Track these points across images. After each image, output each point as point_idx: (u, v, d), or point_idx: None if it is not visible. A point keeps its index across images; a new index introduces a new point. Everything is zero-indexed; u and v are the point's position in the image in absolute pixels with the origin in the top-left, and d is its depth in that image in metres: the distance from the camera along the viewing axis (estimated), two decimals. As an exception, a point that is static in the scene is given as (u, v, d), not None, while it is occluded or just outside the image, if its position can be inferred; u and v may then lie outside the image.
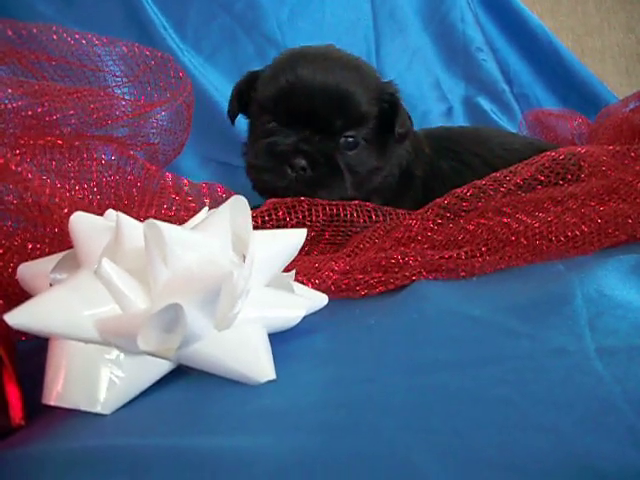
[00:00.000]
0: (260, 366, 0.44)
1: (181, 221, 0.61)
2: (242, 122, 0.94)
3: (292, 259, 0.55)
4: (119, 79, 0.83)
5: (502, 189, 0.70)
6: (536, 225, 0.66)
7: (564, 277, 0.59)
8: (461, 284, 0.63)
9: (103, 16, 1.19)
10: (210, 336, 0.45)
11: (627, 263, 0.60)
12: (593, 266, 0.60)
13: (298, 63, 0.83)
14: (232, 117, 0.91)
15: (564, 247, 0.66)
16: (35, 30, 0.80)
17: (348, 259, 0.68)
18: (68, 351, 0.45)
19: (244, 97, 0.89)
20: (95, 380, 0.44)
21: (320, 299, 0.56)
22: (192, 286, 0.44)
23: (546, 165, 0.69)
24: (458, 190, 0.70)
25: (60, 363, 0.44)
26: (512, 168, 0.74)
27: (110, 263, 0.46)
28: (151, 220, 0.44)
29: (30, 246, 0.60)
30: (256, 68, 0.91)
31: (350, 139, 0.83)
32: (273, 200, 0.74)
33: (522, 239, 0.66)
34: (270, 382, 0.44)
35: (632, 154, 0.69)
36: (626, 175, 0.69)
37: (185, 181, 0.77)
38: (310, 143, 0.81)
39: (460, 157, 0.96)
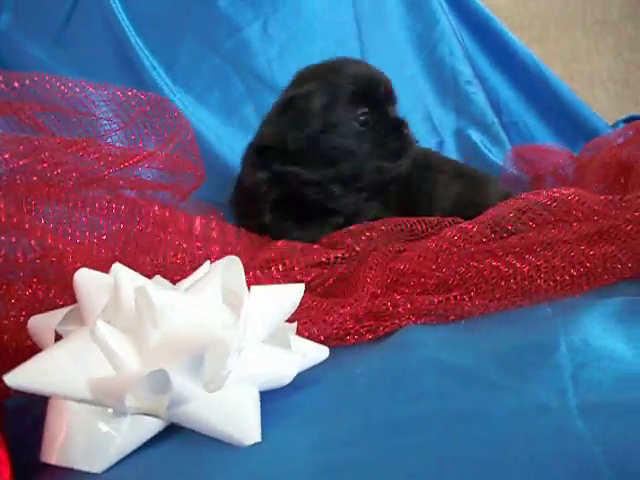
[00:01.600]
0: (247, 429, 0.46)
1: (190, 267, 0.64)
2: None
3: (290, 314, 0.57)
4: (115, 124, 0.85)
5: (491, 234, 0.72)
6: (525, 269, 0.68)
7: (550, 323, 0.61)
8: (449, 329, 0.65)
9: (94, 57, 1.22)
10: (199, 397, 0.47)
11: (612, 307, 0.61)
12: (579, 310, 0.62)
13: (355, 63, 1.02)
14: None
15: (553, 291, 0.68)
16: (28, 81, 0.82)
17: (340, 309, 0.69)
18: (68, 409, 0.47)
19: None
20: (93, 439, 0.46)
21: (320, 352, 0.58)
22: (180, 350, 0.46)
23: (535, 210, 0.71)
24: (448, 233, 0.72)
25: (60, 421, 0.46)
26: (498, 213, 0.76)
27: (105, 325, 0.49)
28: (141, 287, 0.46)
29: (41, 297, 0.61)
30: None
31: None
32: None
33: (512, 283, 0.68)
34: (257, 444, 0.45)
35: (624, 204, 0.71)
36: (615, 220, 0.71)
37: (197, 222, 0.79)
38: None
39: None
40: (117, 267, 0.52)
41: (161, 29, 1.26)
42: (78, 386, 0.46)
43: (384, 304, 0.67)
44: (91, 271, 0.53)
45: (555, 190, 0.73)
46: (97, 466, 0.45)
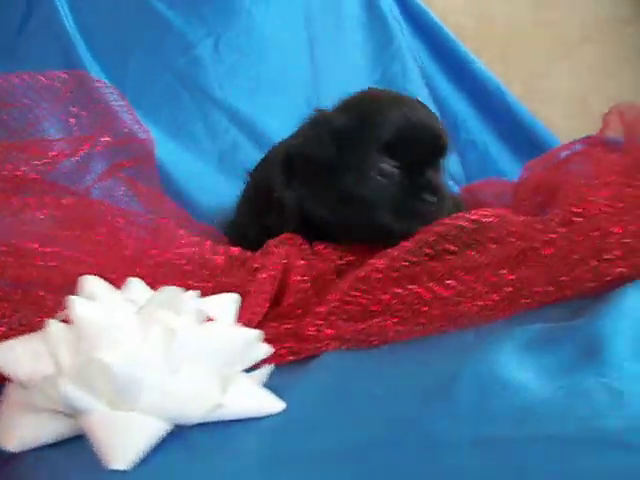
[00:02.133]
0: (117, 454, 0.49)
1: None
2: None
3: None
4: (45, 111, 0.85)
5: (414, 259, 0.73)
6: (447, 295, 0.69)
7: (466, 351, 0.62)
8: (369, 355, 0.66)
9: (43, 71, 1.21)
10: (96, 412, 0.51)
11: (529, 334, 0.62)
12: (496, 338, 0.63)
13: (404, 104, 0.89)
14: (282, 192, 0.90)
15: (476, 316, 0.69)
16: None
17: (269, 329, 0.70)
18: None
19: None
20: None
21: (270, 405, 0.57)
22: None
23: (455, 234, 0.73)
24: (373, 261, 0.73)
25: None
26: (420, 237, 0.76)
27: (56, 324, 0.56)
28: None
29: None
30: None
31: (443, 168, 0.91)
32: None
33: (433, 310, 0.69)
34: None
35: (539, 226, 0.73)
36: (533, 242, 0.72)
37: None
38: (433, 180, 0.86)
39: None
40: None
41: (112, 44, 1.27)
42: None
43: (309, 329, 0.67)
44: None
45: (473, 212, 0.74)
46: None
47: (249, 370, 0.60)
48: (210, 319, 0.61)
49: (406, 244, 0.74)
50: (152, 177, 1.06)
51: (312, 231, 0.86)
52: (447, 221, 0.76)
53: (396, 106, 0.87)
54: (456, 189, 1.38)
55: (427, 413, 0.51)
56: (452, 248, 0.73)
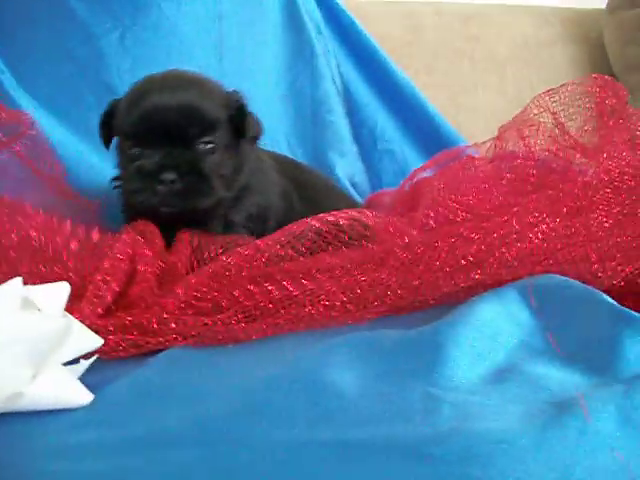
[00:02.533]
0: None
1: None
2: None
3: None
4: None
5: (264, 259, 0.73)
6: (296, 293, 0.69)
7: (298, 352, 0.62)
8: (209, 353, 0.65)
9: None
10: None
11: (364, 341, 0.63)
12: (331, 342, 0.63)
13: (147, 88, 0.94)
14: (106, 145, 1.01)
15: (322, 316, 0.69)
16: None
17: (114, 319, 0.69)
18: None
19: (110, 127, 0.98)
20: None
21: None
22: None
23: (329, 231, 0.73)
24: (224, 258, 0.72)
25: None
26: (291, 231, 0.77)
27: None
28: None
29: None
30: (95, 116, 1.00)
31: (207, 145, 0.92)
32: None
33: (281, 308, 0.68)
34: None
35: (391, 228, 0.73)
36: (392, 246, 0.73)
37: None
38: (173, 157, 0.89)
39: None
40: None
41: (12, 30, 1.24)
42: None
43: (150, 320, 0.66)
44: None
45: (330, 214, 0.75)
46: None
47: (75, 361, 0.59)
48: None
49: (259, 242, 0.74)
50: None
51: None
52: (304, 221, 0.76)
53: (139, 90, 0.95)
54: (358, 198, 1.39)
55: (230, 412, 0.51)
56: (303, 250, 0.72)
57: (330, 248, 0.74)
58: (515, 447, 0.46)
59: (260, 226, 1.00)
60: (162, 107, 0.90)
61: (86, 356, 0.60)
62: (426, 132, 1.67)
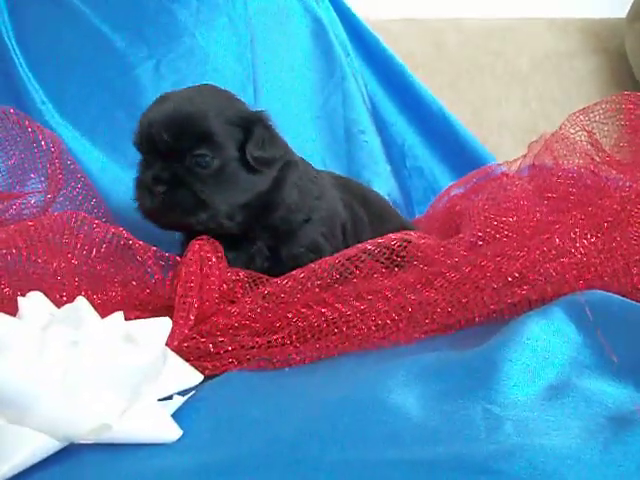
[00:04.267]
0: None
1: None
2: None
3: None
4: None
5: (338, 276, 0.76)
6: (348, 313, 0.71)
7: (357, 375, 0.64)
8: (265, 377, 0.67)
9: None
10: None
11: (420, 363, 0.65)
12: (389, 365, 0.65)
13: (153, 103, 0.95)
14: None
15: (375, 336, 0.71)
16: None
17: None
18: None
19: None
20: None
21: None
22: None
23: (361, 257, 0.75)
24: (278, 280, 0.75)
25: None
26: (345, 255, 0.80)
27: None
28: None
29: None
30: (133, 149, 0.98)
31: (200, 158, 0.89)
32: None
33: (334, 328, 0.71)
34: None
35: (442, 248, 0.76)
36: (441, 267, 0.75)
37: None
38: (164, 169, 0.89)
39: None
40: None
41: (52, 62, 1.29)
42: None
43: (207, 344, 0.69)
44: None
45: (381, 237, 0.77)
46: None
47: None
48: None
49: (314, 266, 0.76)
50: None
51: None
52: (358, 245, 0.78)
53: (149, 108, 0.95)
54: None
55: (303, 435, 0.53)
56: (358, 272, 0.75)
57: (383, 270, 0.76)
58: (581, 463, 0.48)
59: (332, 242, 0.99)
60: (154, 121, 0.91)
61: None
62: (453, 148, 1.69)
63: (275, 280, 0.76)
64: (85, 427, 0.54)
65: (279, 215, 0.95)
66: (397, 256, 0.76)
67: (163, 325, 0.63)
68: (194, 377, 0.63)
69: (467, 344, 0.70)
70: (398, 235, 0.78)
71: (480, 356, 0.65)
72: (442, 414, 0.56)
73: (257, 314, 0.73)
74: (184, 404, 0.61)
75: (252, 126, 0.93)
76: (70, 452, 0.55)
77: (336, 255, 0.79)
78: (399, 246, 0.76)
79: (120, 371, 0.57)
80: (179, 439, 0.56)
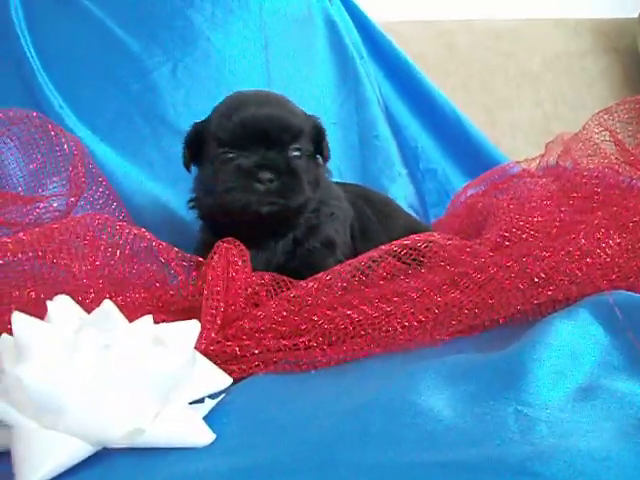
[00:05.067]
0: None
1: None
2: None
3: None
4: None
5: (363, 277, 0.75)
6: (375, 315, 0.71)
7: (385, 378, 0.64)
8: (293, 380, 0.67)
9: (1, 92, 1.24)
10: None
11: (448, 365, 0.65)
12: (417, 367, 0.65)
13: (243, 101, 1.02)
14: (187, 166, 1.06)
15: (402, 337, 0.71)
16: None
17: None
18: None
19: (193, 148, 1.04)
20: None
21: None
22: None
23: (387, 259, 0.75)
24: (303, 283, 0.75)
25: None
26: (370, 256, 0.79)
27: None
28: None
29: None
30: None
31: (296, 151, 1.00)
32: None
33: (360, 330, 0.71)
34: None
35: (468, 249, 0.75)
36: (466, 268, 0.75)
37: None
38: (269, 159, 0.96)
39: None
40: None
41: (69, 67, 1.29)
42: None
43: (233, 347, 0.69)
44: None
45: (406, 238, 0.77)
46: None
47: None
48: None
49: (338, 268, 0.76)
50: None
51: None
52: (382, 247, 0.78)
53: (231, 103, 1.03)
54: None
55: (335, 437, 0.53)
56: (384, 274, 0.75)
57: (409, 272, 0.76)
58: (619, 465, 0.47)
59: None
60: (259, 116, 0.98)
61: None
62: (466, 150, 1.68)
63: (300, 283, 0.76)
64: (118, 432, 0.54)
65: (313, 208, 1.03)
66: (422, 257, 0.76)
67: (192, 328, 0.63)
68: (223, 380, 0.63)
69: (492, 346, 0.70)
70: (423, 236, 0.78)
71: (507, 358, 0.65)
72: (474, 416, 0.56)
73: (283, 317, 0.73)
74: (213, 408, 0.61)
75: (321, 127, 1.08)
76: (101, 457, 0.55)
77: (360, 257, 0.79)
78: (425, 247, 0.76)
79: (151, 375, 0.57)
80: (211, 443, 0.56)
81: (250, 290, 0.78)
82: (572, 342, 0.67)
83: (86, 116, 1.26)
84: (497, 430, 0.54)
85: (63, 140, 0.89)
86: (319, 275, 0.76)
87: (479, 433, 0.53)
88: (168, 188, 1.27)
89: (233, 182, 0.95)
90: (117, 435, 0.53)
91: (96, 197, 0.94)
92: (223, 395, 0.62)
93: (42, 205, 0.86)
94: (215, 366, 0.63)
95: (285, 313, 0.73)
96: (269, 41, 1.42)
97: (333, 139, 1.49)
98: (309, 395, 0.63)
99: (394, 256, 0.76)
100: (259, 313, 0.73)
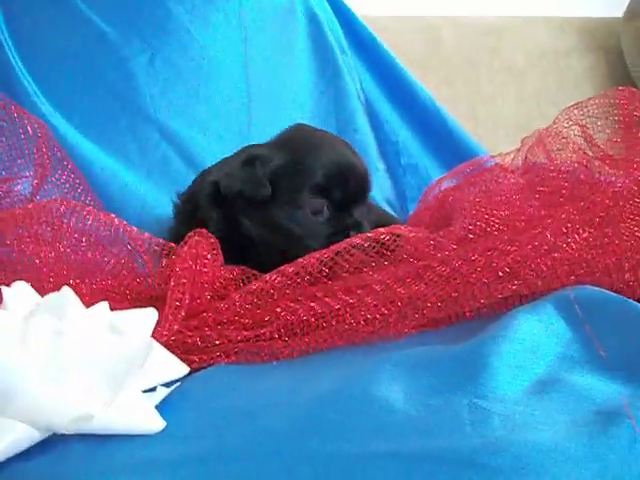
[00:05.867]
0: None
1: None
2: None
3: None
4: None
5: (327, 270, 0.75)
6: (337, 307, 0.71)
7: (345, 368, 0.64)
8: (253, 370, 0.67)
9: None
10: None
11: (407, 357, 0.65)
12: (376, 359, 0.65)
13: (331, 143, 0.99)
14: (262, 197, 0.94)
15: (365, 330, 0.71)
16: None
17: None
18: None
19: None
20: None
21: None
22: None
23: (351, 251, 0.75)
24: (267, 276, 0.74)
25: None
26: (335, 249, 0.79)
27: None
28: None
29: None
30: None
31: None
32: None
33: (323, 322, 0.70)
34: None
35: (432, 242, 0.75)
36: (431, 261, 0.74)
37: None
38: (362, 216, 0.95)
39: None
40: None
41: (45, 55, 1.27)
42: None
43: (194, 339, 0.68)
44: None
45: (372, 231, 0.77)
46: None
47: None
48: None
49: (302, 260, 0.76)
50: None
51: (237, 248, 0.91)
52: (347, 240, 0.78)
53: (326, 148, 0.96)
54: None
55: (289, 427, 0.53)
56: (347, 266, 0.74)
57: (373, 264, 0.75)
58: (566, 456, 0.47)
59: None
60: (358, 166, 0.96)
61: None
62: (448, 145, 1.67)
63: (264, 276, 0.76)
64: (67, 417, 0.53)
65: None
66: (387, 250, 0.76)
67: (149, 316, 0.62)
68: (180, 369, 0.63)
69: (457, 339, 0.70)
70: (387, 229, 0.78)
71: (469, 350, 0.64)
72: (428, 407, 0.56)
73: (245, 309, 0.72)
74: (170, 396, 0.60)
75: None
76: (55, 443, 0.55)
77: (324, 250, 0.78)
78: (389, 239, 0.76)
79: (104, 361, 0.56)
80: (165, 430, 0.55)
81: (218, 284, 0.77)
82: (534, 336, 0.67)
83: (62, 104, 1.24)
84: (449, 422, 0.54)
85: (26, 122, 0.87)
86: (283, 268, 0.76)
87: (431, 424, 0.53)
88: (142, 178, 1.25)
89: (324, 239, 0.90)
90: (65, 421, 0.53)
91: (62, 181, 0.92)
92: (178, 383, 0.61)
93: (6, 187, 0.84)
94: (172, 355, 0.63)
95: (248, 306, 0.72)
96: (249, 33, 1.41)
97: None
98: (267, 385, 0.63)
99: (359, 249, 0.76)
100: (222, 305, 0.73)
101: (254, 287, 0.74)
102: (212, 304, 0.74)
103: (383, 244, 0.76)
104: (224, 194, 0.95)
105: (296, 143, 0.99)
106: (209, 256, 0.80)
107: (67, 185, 0.94)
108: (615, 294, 0.70)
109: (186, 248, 0.80)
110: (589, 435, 0.50)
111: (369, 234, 0.76)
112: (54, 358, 0.55)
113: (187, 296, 0.73)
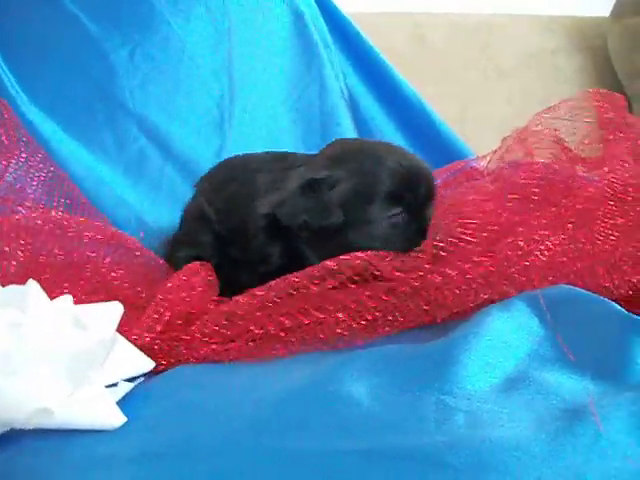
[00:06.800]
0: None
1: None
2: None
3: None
4: None
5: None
6: (306, 322, 0.71)
7: (313, 366, 0.63)
8: (227, 369, 0.66)
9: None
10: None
11: (375, 354, 0.64)
12: (343, 357, 0.65)
13: (398, 153, 0.93)
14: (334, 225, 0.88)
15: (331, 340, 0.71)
16: None
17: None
18: None
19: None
20: None
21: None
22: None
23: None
24: (237, 298, 0.75)
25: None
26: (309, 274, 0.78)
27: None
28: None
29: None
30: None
31: None
32: None
33: (291, 337, 0.70)
34: None
35: (396, 263, 0.75)
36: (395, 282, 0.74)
37: None
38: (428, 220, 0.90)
39: None
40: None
41: (27, 49, 1.26)
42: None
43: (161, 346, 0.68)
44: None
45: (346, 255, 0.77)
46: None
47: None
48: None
49: (273, 284, 0.76)
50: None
51: None
52: (321, 264, 0.78)
53: (389, 155, 0.90)
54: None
55: (253, 423, 0.52)
56: (315, 289, 0.74)
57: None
58: (528, 454, 0.47)
59: None
60: (424, 168, 0.92)
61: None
62: (434, 144, 1.67)
63: (235, 298, 0.75)
64: (25, 412, 0.52)
65: None
66: (358, 275, 0.76)
67: (113, 310, 0.61)
68: (145, 364, 0.62)
69: (425, 338, 0.70)
70: (362, 255, 0.77)
71: (440, 348, 0.64)
72: (394, 405, 0.56)
73: (213, 330, 0.72)
74: (133, 391, 0.60)
75: None
76: (11, 438, 0.54)
77: (299, 273, 0.77)
78: (362, 266, 0.76)
79: (65, 355, 0.56)
80: (126, 426, 0.55)
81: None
82: (505, 333, 0.67)
83: (41, 99, 1.23)
84: (415, 419, 0.53)
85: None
86: (253, 290, 0.75)
87: (397, 422, 0.53)
88: (118, 173, 1.25)
89: (401, 245, 0.85)
90: (23, 415, 0.52)
91: (29, 165, 0.91)
92: (142, 379, 0.60)
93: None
94: (137, 349, 0.62)
95: (216, 327, 0.72)
96: (232, 27, 1.40)
97: (292, 125, 1.49)
98: (233, 382, 0.63)
99: (332, 276, 0.75)
100: (192, 328, 0.72)
101: (225, 309, 0.73)
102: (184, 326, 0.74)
103: (355, 270, 0.76)
104: (285, 226, 0.88)
105: (355, 157, 0.91)
106: (199, 289, 0.79)
107: (40, 166, 0.92)
108: (586, 292, 0.70)
109: (183, 270, 0.80)
110: (554, 433, 0.49)
111: (344, 258, 0.76)
112: (12, 351, 0.54)
113: (168, 315, 0.72)
